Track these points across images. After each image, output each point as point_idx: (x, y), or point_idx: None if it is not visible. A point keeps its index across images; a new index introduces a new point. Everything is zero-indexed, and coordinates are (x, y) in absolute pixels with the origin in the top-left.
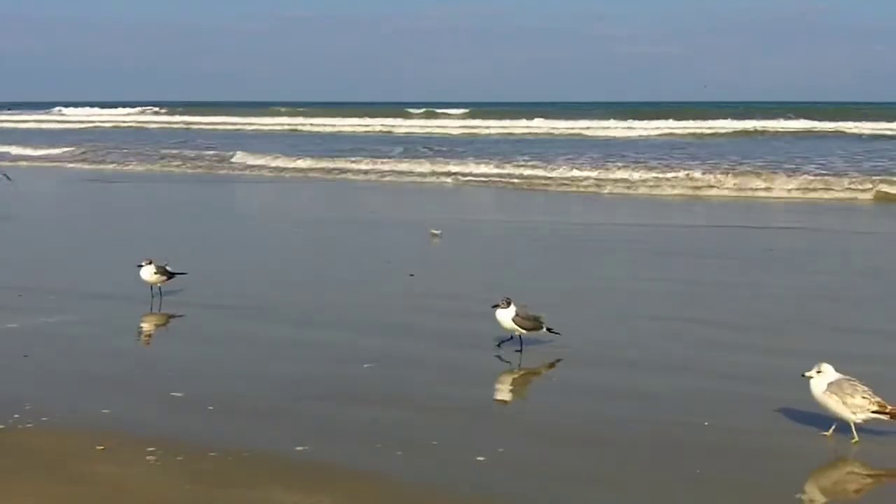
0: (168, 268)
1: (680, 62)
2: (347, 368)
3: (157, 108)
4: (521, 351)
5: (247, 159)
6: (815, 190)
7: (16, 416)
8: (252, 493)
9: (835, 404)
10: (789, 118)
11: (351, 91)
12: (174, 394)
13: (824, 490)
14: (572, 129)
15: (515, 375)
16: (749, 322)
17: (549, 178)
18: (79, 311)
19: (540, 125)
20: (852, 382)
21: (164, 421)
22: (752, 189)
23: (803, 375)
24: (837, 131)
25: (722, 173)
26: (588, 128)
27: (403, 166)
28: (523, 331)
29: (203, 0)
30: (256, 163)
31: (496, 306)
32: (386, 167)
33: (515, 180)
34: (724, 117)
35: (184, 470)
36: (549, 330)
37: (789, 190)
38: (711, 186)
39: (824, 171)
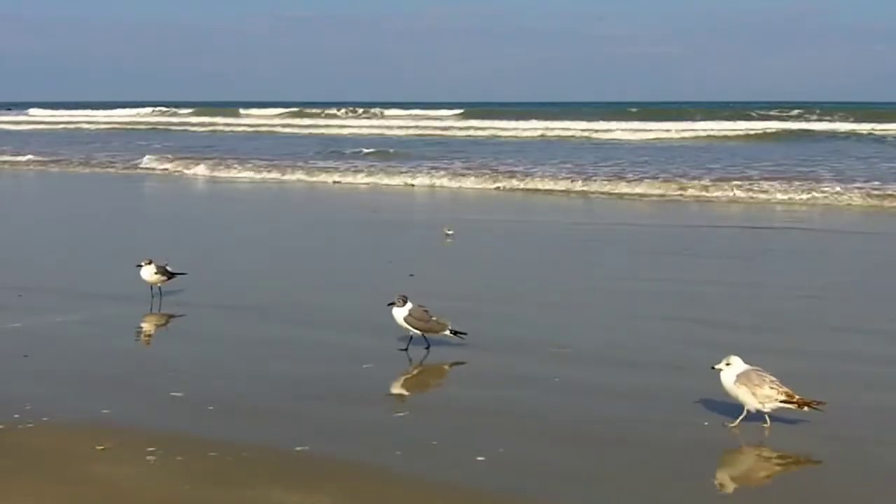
0: (168, 268)
1: (680, 62)
2: (347, 368)
3: (151, 109)
4: (427, 349)
5: (154, 164)
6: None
7: (16, 416)
8: (252, 493)
9: (744, 395)
10: (796, 115)
11: (351, 91)
12: (174, 394)
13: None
14: (576, 130)
15: (515, 376)
16: (749, 322)
17: (548, 179)
18: (79, 311)
19: (536, 126)
20: (760, 373)
21: (164, 421)
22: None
23: (713, 368)
24: (851, 132)
25: (744, 184)
26: (592, 129)
27: (363, 176)
28: (416, 330)
29: (203, 0)
30: (162, 167)
31: (392, 304)
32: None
33: (513, 181)
34: (725, 118)
35: (184, 470)
36: (454, 333)
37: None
38: (731, 201)
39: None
